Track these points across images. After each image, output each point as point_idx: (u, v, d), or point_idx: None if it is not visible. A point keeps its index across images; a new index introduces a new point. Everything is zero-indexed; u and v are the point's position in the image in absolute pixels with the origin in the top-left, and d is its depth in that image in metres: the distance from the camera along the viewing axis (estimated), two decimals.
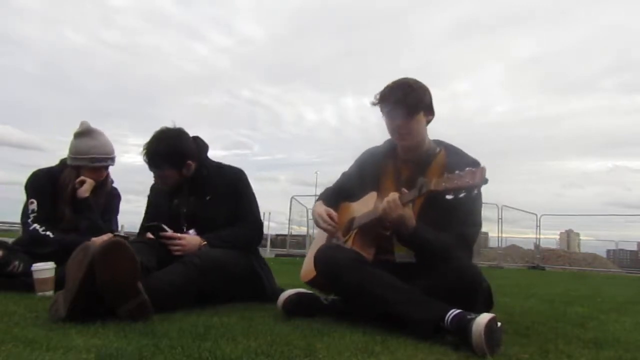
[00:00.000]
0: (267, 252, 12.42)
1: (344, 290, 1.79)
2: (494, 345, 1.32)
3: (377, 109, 1.85)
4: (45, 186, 2.50)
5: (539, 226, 13.56)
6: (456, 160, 1.78)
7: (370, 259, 1.79)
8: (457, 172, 1.45)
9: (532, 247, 14.62)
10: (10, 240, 2.55)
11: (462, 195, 1.45)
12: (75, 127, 2.60)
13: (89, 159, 2.52)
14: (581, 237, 17.73)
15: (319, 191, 2.25)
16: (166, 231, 2.05)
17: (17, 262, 2.22)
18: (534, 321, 2.03)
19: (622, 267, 16.11)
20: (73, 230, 2.46)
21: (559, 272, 10.99)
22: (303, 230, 14.87)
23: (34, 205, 2.46)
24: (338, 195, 2.07)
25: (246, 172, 2.32)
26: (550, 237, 15.78)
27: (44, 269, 2.10)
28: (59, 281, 2.04)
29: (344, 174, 2.12)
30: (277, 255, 11.42)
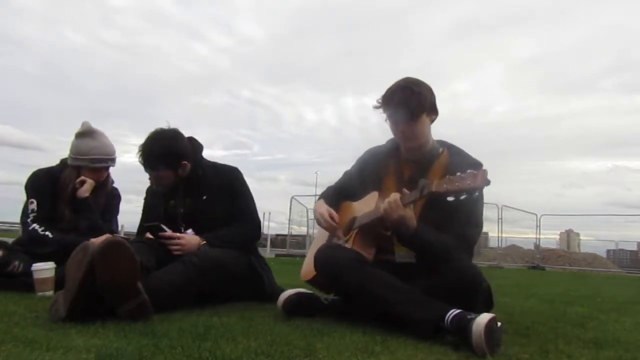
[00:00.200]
0: (267, 252, 12.42)
1: (344, 290, 1.79)
2: (494, 345, 1.32)
3: (379, 109, 1.85)
4: (45, 186, 2.50)
5: (539, 226, 13.58)
6: (458, 161, 1.78)
7: (371, 259, 1.79)
8: (458, 174, 1.45)
9: (532, 247, 14.62)
10: (10, 240, 2.55)
11: (463, 197, 1.45)
12: (76, 127, 2.60)
13: (90, 160, 2.53)
14: (581, 237, 17.74)
15: (319, 191, 2.25)
16: (165, 231, 2.05)
17: (17, 262, 2.22)
18: (534, 321, 2.03)
19: (622, 267, 16.11)
20: (73, 230, 2.46)
21: (559, 272, 10.99)
22: (303, 230, 14.89)
23: (33, 205, 2.46)
24: (339, 195, 2.07)
25: (246, 172, 2.33)
26: (550, 237, 15.80)
27: (44, 269, 2.10)
28: (59, 281, 2.04)
29: (345, 173, 2.12)
30: (277, 255, 11.42)
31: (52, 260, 2.14)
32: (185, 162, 2.16)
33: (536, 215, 13.58)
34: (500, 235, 13.28)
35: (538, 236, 13.80)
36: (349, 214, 1.98)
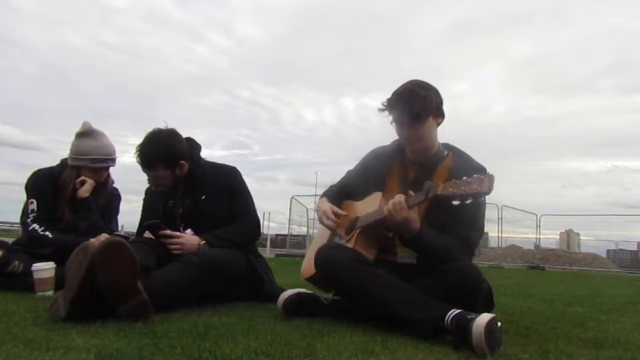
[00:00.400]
0: (267, 252, 12.42)
1: (344, 291, 1.79)
2: (494, 345, 1.32)
3: (384, 112, 1.85)
4: (45, 186, 2.50)
5: (539, 226, 13.58)
6: (463, 165, 1.79)
7: (372, 259, 1.79)
8: (465, 178, 1.45)
9: (532, 247, 14.62)
10: (10, 240, 2.55)
11: (469, 201, 1.45)
12: (76, 128, 2.60)
13: (90, 160, 2.53)
14: (581, 237, 17.72)
15: (319, 191, 2.26)
16: (165, 229, 2.06)
17: (17, 262, 2.22)
18: (534, 321, 2.03)
19: (622, 267, 16.09)
20: (73, 230, 2.46)
21: (559, 272, 11.00)
22: (303, 230, 14.89)
23: (33, 205, 2.46)
24: (342, 194, 2.08)
25: (246, 172, 2.34)
26: (550, 237, 15.79)
27: (43, 269, 2.10)
28: (59, 281, 2.04)
29: (348, 172, 2.12)
30: (277, 255, 11.43)
31: (52, 260, 2.14)
32: (182, 161, 2.16)
33: (536, 215, 13.60)
34: (500, 235, 13.31)
35: (538, 236, 13.82)
36: (350, 213, 1.98)
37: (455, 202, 1.47)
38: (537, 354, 1.37)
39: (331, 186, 2.14)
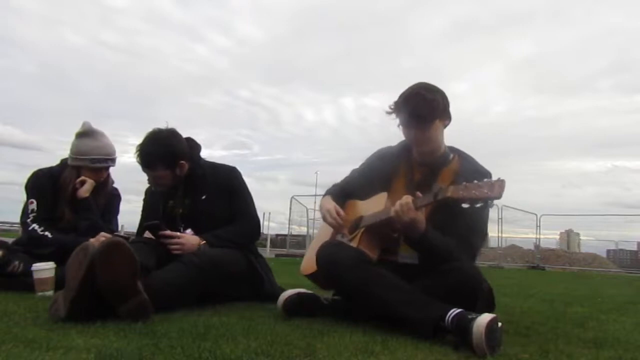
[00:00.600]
0: (267, 252, 12.42)
1: (345, 289, 1.79)
2: (494, 345, 1.32)
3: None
4: (45, 186, 2.50)
5: (539, 226, 13.59)
6: (469, 168, 1.81)
7: (375, 258, 1.79)
8: (475, 181, 1.46)
9: (532, 247, 14.63)
10: (10, 240, 2.55)
11: (478, 205, 1.46)
12: (76, 128, 2.60)
13: (90, 160, 2.53)
14: (581, 237, 17.71)
15: (319, 191, 2.27)
16: (165, 230, 2.06)
17: (17, 262, 2.22)
18: (534, 321, 2.03)
19: (622, 267, 16.09)
20: (73, 230, 2.46)
21: (559, 272, 11.00)
22: (303, 230, 14.90)
23: (33, 205, 2.46)
24: (345, 193, 2.08)
25: (246, 172, 2.34)
26: (550, 237, 15.80)
27: (43, 269, 2.10)
28: (59, 281, 2.04)
29: (353, 172, 2.12)
30: (277, 255, 11.43)
31: (52, 260, 2.14)
32: (182, 161, 2.16)
33: (536, 215, 13.60)
34: (500, 235, 13.32)
35: (538, 236, 13.82)
36: (354, 212, 1.98)
37: (466, 205, 1.47)
38: (537, 354, 1.37)
39: (334, 185, 2.14)
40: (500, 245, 13.64)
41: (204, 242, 2.07)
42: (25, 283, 2.12)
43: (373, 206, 1.88)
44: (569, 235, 18.32)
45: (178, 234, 2.08)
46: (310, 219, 13.86)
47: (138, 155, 2.12)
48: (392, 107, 1.84)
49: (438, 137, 1.85)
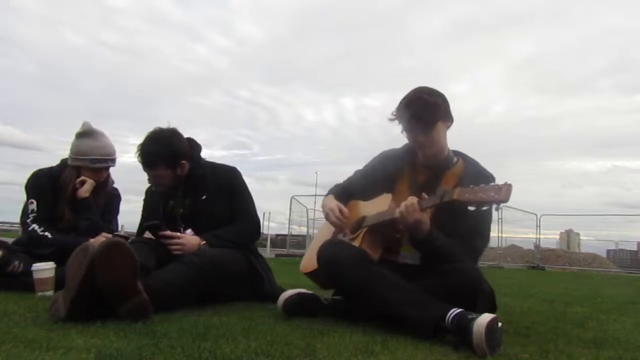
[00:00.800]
0: (267, 252, 12.42)
1: (346, 288, 1.78)
2: (494, 345, 1.32)
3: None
4: (45, 186, 2.50)
5: (539, 226, 13.60)
6: (473, 171, 1.82)
7: (377, 258, 1.79)
8: (482, 185, 1.46)
9: (532, 247, 14.63)
10: (10, 240, 2.55)
11: (484, 208, 1.46)
12: (76, 128, 2.60)
13: (90, 160, 2.53)
14: (581, 237, 17.72)
15: (319, 191, 2.28)
16: (165, 230, 2.06)
17: (17, 262, 2.22)
18: (534, 321, 2.03)
19: (622, 267, 16.10)
20: (73, 230, 2.46)
21: (559, 272, 11.00)
22: (303, 230, 14.88)
23: (33, 206, 2.46)
24: (348, 193, 2.09)
25: (246, 172, 2.34)
26: (550, 237, 15.80)
27: (43, 269, 2.10)
28: (59, 281, 2.04)
29: (356, 172, 2.13)
30: (277, 255, 11.43)
31: (52, 261, 2.14)
32: (183, 161, 2.17)
33: (536, 215, 13.60)
34: (500, 235, 13.32)
35: (538, 236, 13.83)
36: (356, 213, 1.99)
37: (472, 208, 1.47)
38: (537, 354, 1.37)
39: (337, 185, 2.15)
40: (500, 245, 13.64)
41: (204, 242, 2.07)
42: (25, 283, 2.12)
43: (376, 207, 1.88)
44: (569, 235, 18.32)
45: (178, 234, 2.08)
46: (310, 219, 13.86)
47: (139, 155, 2.12)
48: (394, 113, 1.86)
49: (441, 140, 1.86)
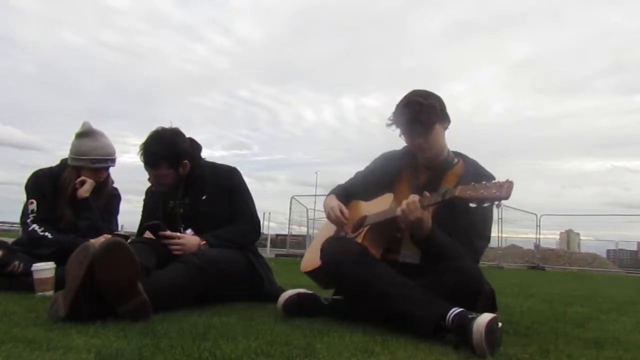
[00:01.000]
0: (267, 252, 12.43)
1: (347, 284, 1.77)
2: (494, 345, 1.32)
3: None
4: (45, 186, 2.50)
5: (539, 226, 13.61)
6: (473, 172, 1.82)
7: (378, 257, 1.79)
8: (484, 182, 1.46)
9: (532, 247, 14.64)
10: (10, 240, 2.55)
11: (486, 205, 1.46)
12: (76, 128, 2.61)
13: (90, 160, 2.53)
14: (581, 237, 17.74)
15: (319, 191, 2.28)
16: (165, 230, 2.06)
17: (17, 262, 2.22)
18: (534, 321, 2.03)
19: (622, 267, 16.11)
20: (73, 230, 2.46)
21: (559, 272, 11.01)
22: (303, 230, 14.89)
23: (33, 206, 2.46)
24: (349, 193, 2.09)
25: (246, 172, 2.34)
26: (550, 237, 15.81)
27: (44, 269, 2.10)
28: (59, 281, 2.04)
29: (358, 174, 2.14)
30: (277, 255, 11.43)
31: (52, 261, 2.14)
32: (185, 161, 2.17)
33: (536, 215, 13.62)
34: (500, 235, 13.31)
35: (538, 236, 13.84)
36: (357, 212, 1.99)
37: (473, 205, 1.47)
38: (537, 354, 1.37)
39: (338, 185, 2.16)
40: (500, 245, 13.64)
41: (204, 242, 2.07)
42: (25, 283, 2.12)
43: (377, 206, 1.89)
44: (569, 235, 18.33)
45: (178, 234, 2.08)
46: (310, 219, 13.86)
47: (142, 154, 2.12)
48: (391, 118, 1.87)
49: (440, 141, 1.87)
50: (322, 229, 2.17)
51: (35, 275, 2.09)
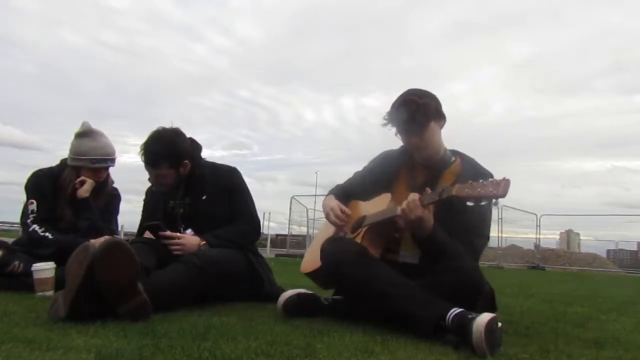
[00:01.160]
0: (267, 252, 12.43)
1: (347, 284, 1.78)
2: (494, 345, 1.32)
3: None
4: (45, 186, 2.50)
5: (539, 226, 13.62)
6: (470, 170, 1.82)
7: (377, 257, 1.79)
8: (481, 180, 1.46)
9: (532, 247, 14.64)
10: (10, 240, 2.55)
11: (483, 203, 1.46)
12: (76, 128, 2.60)
13: (89, 160, 2.53)
14: (581, 237, 17.75)
15: (319, 191, 2.28)
16: (165, 230, 2.06)
17: (17, 262, 2.22)
18: (534, 321, 2.03)
19: (622, 267, 16.11)
20: (73, 230, 2.46)
21: (559, 272, 11.01)
22: (303, 230, 14.90)
23: (33, 206, 2.46)
24: (348, 193, 2.09)
25: (246, 172, 2.35)
26: (550, 237, 15.83)
27: (44, 269, 2.10)
28: (59, 281, 2.04)
29: (356, 174, 2.14)
30: (277, 255, 11.44)
31: (52, 261, 2.14)
32: (186, 161, 2.17)
33: (536, 215, 13.62)
34: (500, 235, 13.33)
35: (538, 236, 13.85)
36: (356, 212, 1.99)
37: (470, 204, 1.47)
38: (537, 354, 1.37)
39: (337, 185, 2.15)
40: (500, 245, 13.65)
41: (204, 242, 2.07)
42: (25, 283, 2.12)
43: (376, 206, 1.89)
44: (569, 235, 18.34)
45: (178, 234, 2.08)
46: (310, 219, 13.87)
47: (143, 154, 2.12)
48: (386, 117, 1.87)
49: (436, 140, 1.86)
50: (321, 230, 2.17)
51: (35, 275, 2.09)
